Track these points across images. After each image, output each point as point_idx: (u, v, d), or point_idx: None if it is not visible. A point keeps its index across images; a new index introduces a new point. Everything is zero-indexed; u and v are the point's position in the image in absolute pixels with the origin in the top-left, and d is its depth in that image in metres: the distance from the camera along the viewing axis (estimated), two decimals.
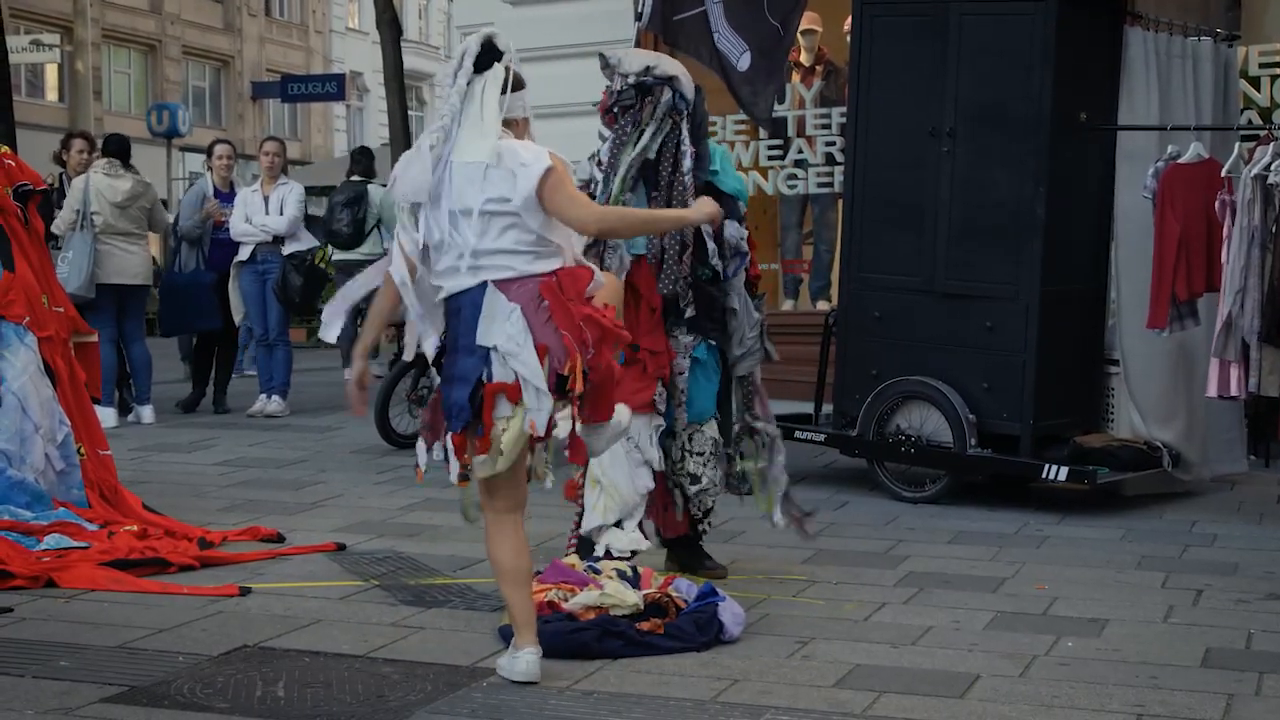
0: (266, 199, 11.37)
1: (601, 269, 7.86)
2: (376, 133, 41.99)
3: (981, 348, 8.05)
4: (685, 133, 6.02)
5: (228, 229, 11.43)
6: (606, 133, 6.41)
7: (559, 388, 4.52)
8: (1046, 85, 7.86)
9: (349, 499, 8.01)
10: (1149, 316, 7.89)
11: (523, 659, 4.71)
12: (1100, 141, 8.26)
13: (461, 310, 4.61)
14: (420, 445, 4.80)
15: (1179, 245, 7.74)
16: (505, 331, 4.53)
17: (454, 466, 4.66)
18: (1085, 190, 8.25)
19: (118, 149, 11.02)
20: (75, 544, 6.40)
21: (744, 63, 9.31)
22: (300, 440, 10.25)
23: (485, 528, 4.82)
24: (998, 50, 8.01)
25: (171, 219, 12.32)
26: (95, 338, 7.73)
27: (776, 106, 11.21)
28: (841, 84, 10.67)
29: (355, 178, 12.31)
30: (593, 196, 6.11)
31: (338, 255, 12.33)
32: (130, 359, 11.10)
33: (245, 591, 5.94)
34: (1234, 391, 7.54)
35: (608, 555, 5.76)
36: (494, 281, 4.58)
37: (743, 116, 10.35)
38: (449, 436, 4.64)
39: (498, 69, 4.65)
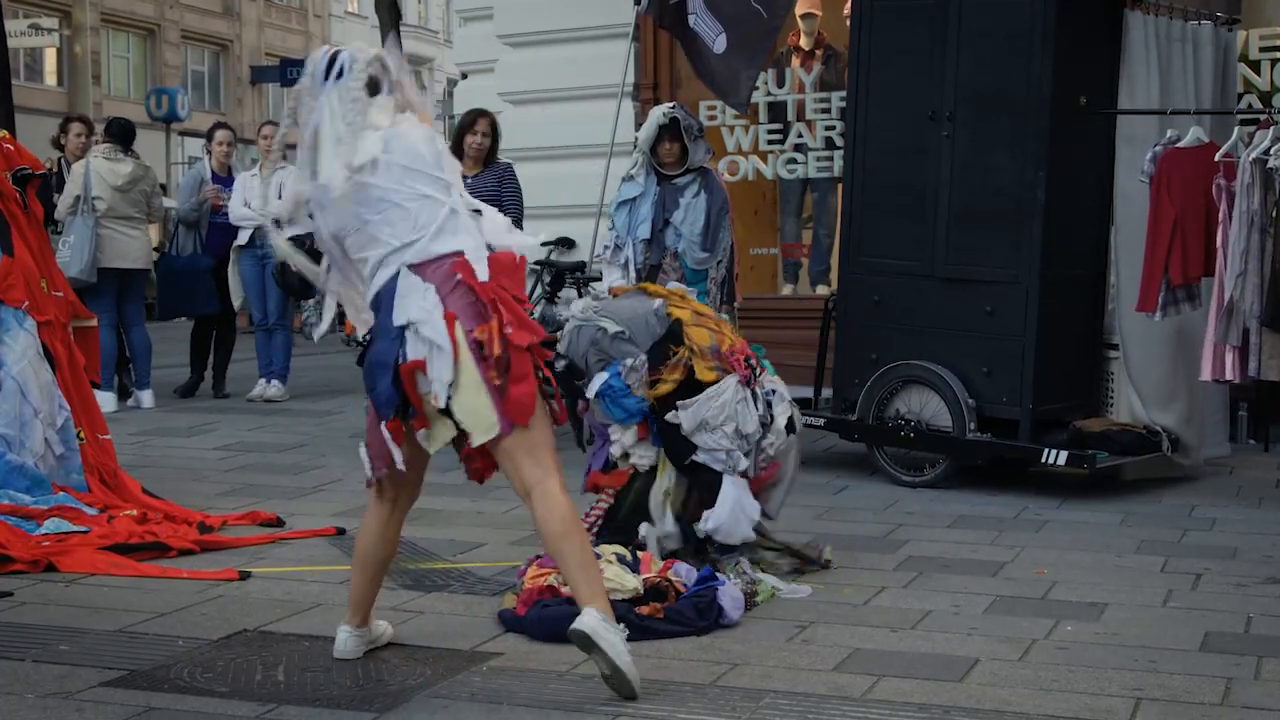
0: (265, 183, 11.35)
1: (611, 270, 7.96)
2: None
3: (981, 332, 8.05)
4: None
5: (226, 213, 11.42)
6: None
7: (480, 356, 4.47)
8: (1047, 69, 7.85)
9: (348, 483, 8.01)
10: (1139, 299, 7.88)
11: (339, 633, 4.87)
12: (1100, 125, 8.24)
13: (381, 302, 4.58)
14: (363, 451, 4.75)
15: (1173, 229, 7.73)
16: (419, 304, 4.50)
17: (397, 454, 4.58)
18: (1085, 174, 8.24)
19: (120, 133, 11.01)
20: (75, 528, 6.41)
21: (720, 45, 9.25)
22: (300, 425, 10.26)
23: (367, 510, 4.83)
24: (998, 34, 7.99)
25: (169, 204, 12.30)
26: (94, 322, 7.73)
27: (776, 91, 11.24)
28: (841, 68, 10.67)
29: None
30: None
31: None
32: (130, 343, 11.11)
33: (245, 576, 5.95)
34: (1229, 376, 7.53)
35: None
36: (408, 266, 4.56)
37: None
38: (383, 426, 4.56)
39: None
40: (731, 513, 5.74)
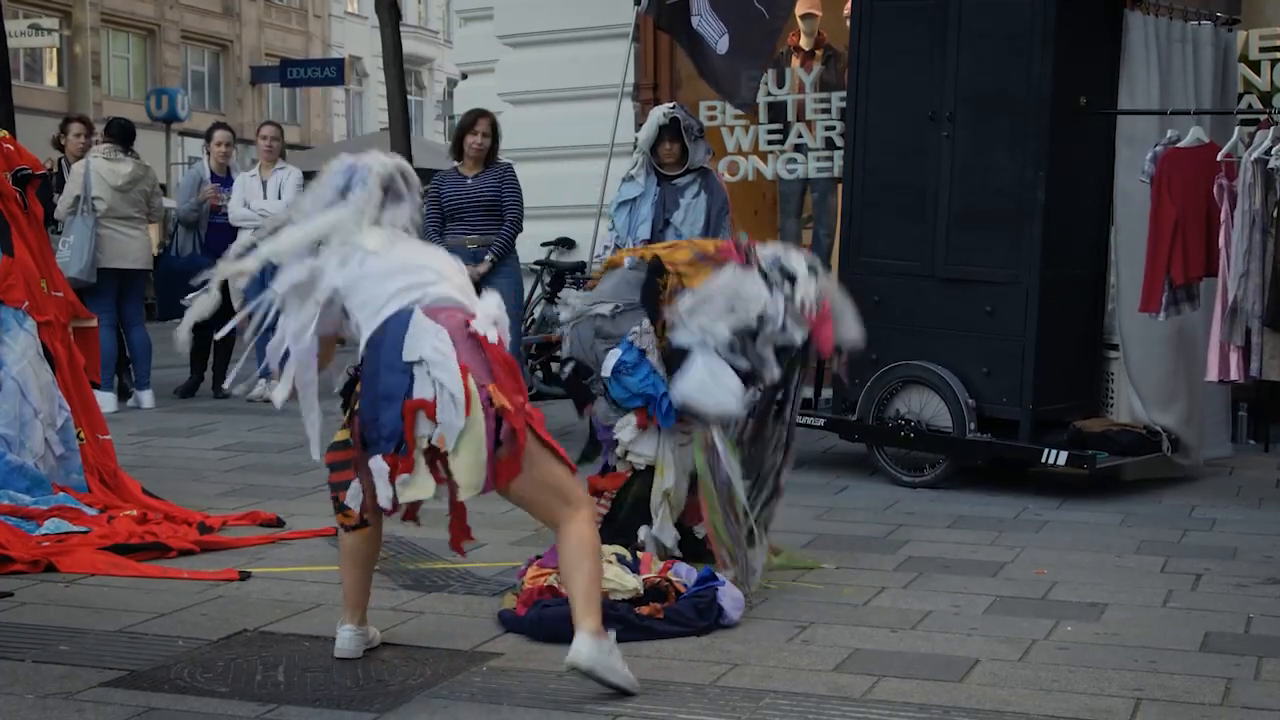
0: (265, 184, 11.35)
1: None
2: (375, 117, 42.00)
3: (981, 332, 8.05)
4: None
5: (225, 213, 11.41)
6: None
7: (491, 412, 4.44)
8: (1047, 69, 7.85)
9: None
10: (1141, 300, 7.88)
11: (341, 633, 4.87)
12: (1101, 126, 8.24)
13: (386, 335, 4.55)
14: (354, 486, 4.71)
15: (1174, 229, 7.73)
16: (432, 344, 4.48)
17: (384, 492, 4.50)
18: (1085, 174, 8.24)
19: (120, 133, 11.00)
20: (75, 529, 6.41)
21: (723, 45, 9.26)
22: (299, 425, 10.17)
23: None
24: (998, 34, 7.99)
25: (169, 204, 12.29)
26: (94, 323, 7.73)
27: (776, 91, 11.23)
28: (841, 68, 10.66)
29: None
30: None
31: None
32: (130, 344, 11.10)
33: (245, 576, 5.95)
34: (1233, 376, 7.53)
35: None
36: (421, 307, 4.57)
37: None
38: (380, 459, 4.50)
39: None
40: (700, 381, 5.59)
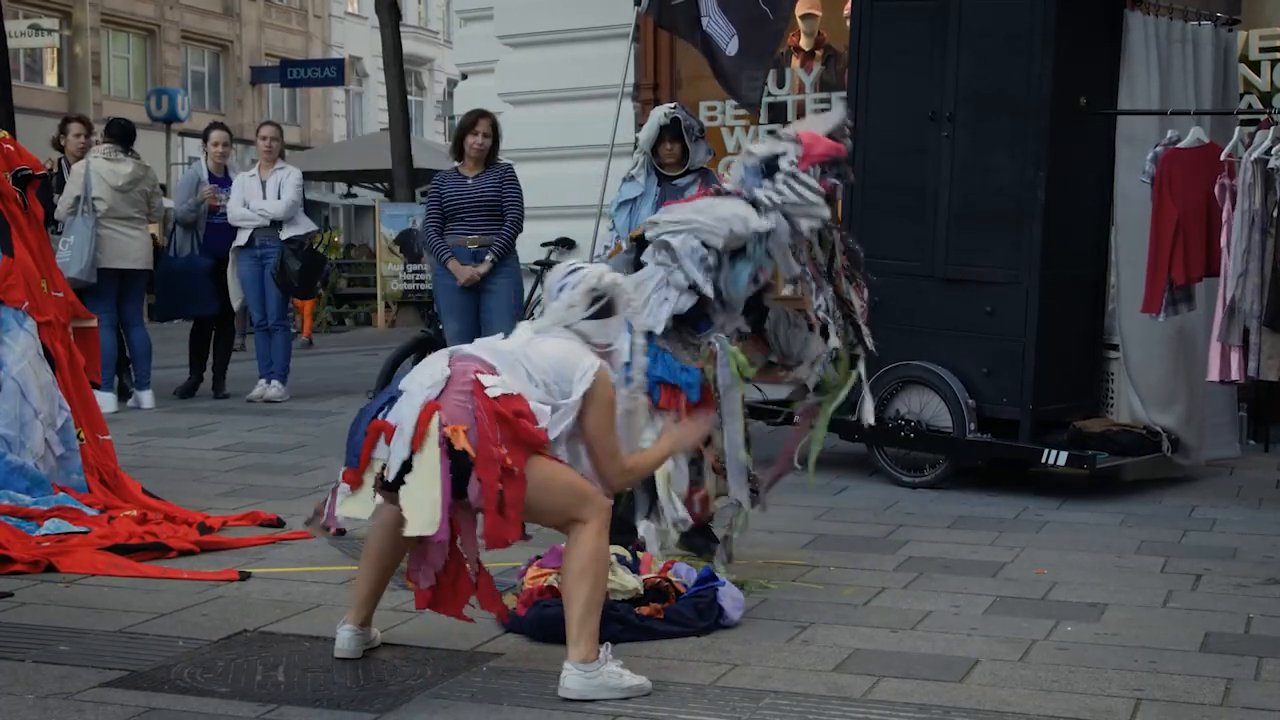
0: (264, 183, 11.35)
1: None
2: (375, 118, 42.02)
3: (981, 332, 8.05)
4: None
5: (223, 213, 11.41)
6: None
7: (452, 456, 4.40)
8: (1047, 69, 7.85)
9: None
10: (1144, 301, 7.89)
11: (341, 633, 4.87)
12: (1101, 126, 8.25)
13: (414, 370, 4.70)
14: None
15: (1176, 230, 7.73)
16: (420, 380, 4.54)
17: (334, 503, 4.55)
18: (1086, 175, 8.24)
19: (120, 133, 11.00)
20: (75, 529, 6.41)
21: (733, 47, 9.30)
22: (299, 425, 10.25)
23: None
24: (998, 34, 8.00)
25: (169, 204, 12.29)
26: (94, 323, 7.73)
27: (776, 91, 11.24)
28: (841, 68, 10.68)
29: None
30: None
31: None
32: (130, 344, 11.10)
33: (245, 576, 5.95)
34: (1234, 376, 7.53)
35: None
36: (452, 354, 4.66)
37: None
38: (341, 471, 4.55)
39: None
40: None
